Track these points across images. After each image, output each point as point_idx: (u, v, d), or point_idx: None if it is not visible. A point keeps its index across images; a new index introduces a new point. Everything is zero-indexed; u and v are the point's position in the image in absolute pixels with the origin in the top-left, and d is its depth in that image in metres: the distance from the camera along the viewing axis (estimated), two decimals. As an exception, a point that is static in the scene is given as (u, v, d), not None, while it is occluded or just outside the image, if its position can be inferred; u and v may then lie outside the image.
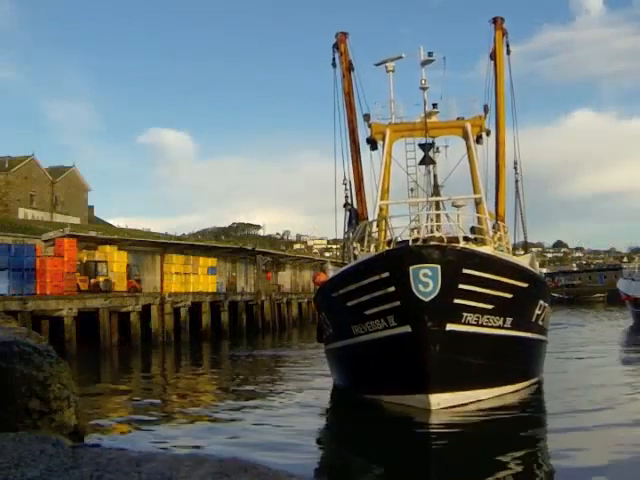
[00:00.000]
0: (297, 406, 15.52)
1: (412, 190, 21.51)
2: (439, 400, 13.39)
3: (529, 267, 17.01)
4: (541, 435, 12.27)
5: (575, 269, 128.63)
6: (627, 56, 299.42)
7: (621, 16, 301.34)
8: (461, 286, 13.36)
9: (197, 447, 11.11)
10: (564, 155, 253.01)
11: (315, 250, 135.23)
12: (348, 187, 22.25)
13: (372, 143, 21.79)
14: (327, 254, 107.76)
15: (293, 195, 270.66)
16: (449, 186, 21.56)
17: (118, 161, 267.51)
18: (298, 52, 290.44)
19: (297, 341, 40.69)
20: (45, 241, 37.51)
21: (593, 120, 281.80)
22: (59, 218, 63.19)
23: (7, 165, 62.71)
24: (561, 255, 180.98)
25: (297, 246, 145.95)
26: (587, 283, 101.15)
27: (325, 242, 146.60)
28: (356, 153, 22.36)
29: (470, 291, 13.49)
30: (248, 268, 58.90)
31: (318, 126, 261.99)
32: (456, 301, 13.40)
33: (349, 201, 22.25)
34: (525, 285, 14.96)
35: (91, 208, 78.03)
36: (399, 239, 16.46)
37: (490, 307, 13.97)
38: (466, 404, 13.63)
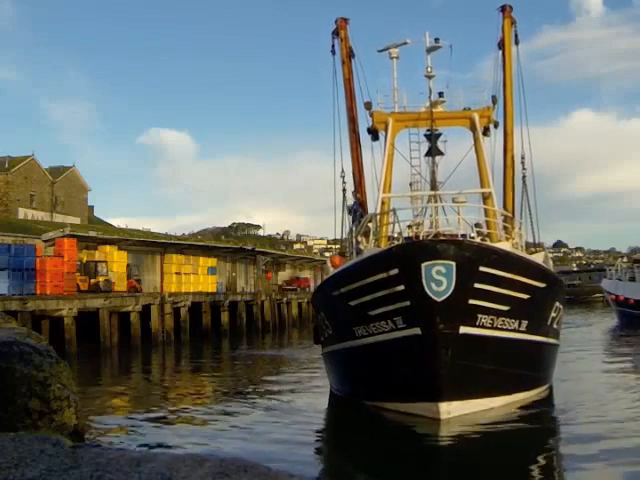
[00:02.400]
0: (297, 406, 15.46)
1: (411, 185, 20.38)
2: (449, 409, 12.40)
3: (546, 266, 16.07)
4: (558, 448, 11.44)
5: (575, 269, 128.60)
6: (627, 56, 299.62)
7: (621, 17, 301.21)
8: (477, 285, 12.33)
9: (197, 447, 11.09)
10: (564, 155, 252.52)
11: (315, 250, 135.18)
12: (351, 179, 21.23)
13: (373, 133, 20.62)
14: (327, 254, 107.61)
15: (293, 195, 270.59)
16: (447, 184, 20.28)
17: (118, 161, 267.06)
18: (298, 52, 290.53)
19: (297, 341, 40.66)
20: (45, 241, 37.53)
21: (593, 120, 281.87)
22: (59, 218, 63.15)
23: (7, 165, 62.68)
24: (561, 255, 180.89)
25: (297, 246, 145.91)
26: (587, 283, 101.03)
27: (325, 242, 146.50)
28: (356, 143, 21.37)
29: (486, 291, 12.47)
30: (248, 268, 58.92)
31: (318, 126, 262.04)
32: (471, 302, 12.37)
33: (346, 195, 21.27)
34: (542, 285, 13.99)
35: (91, 208, 78.01)
36: (402, 235, 15.49)
37: (506, 309, 12.99)
38: (476, 413, 12.66)
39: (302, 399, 16.77)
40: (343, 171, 21.36)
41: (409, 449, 11.26)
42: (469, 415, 12.55)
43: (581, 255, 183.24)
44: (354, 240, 17.96)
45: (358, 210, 20.63)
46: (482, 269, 12.32)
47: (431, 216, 17.70)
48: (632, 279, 46.06)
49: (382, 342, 13.18)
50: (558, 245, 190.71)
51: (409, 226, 15.64)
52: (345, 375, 16.06)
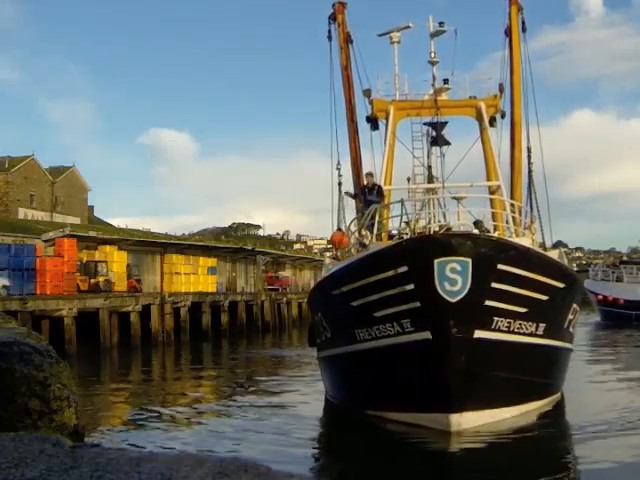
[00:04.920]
0: (298, 406, 15.46)
1: (409, 180, 19.12)
2: (461, 420, 11.29)
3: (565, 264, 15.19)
4: (576, 464, 10.53)
5: (575, 269, 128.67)
6: (627, 57, 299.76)
7: (620, 17, 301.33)
8: (494, 285, 11.21)
9: (197, 447, 11.09)
10: (564, 155, 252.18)
11: (315, 250, 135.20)
12: (347, 172, 20.23)
13: (373, 122, 19.59)
14: (327, 254, 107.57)
15: (293, 195, 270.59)
16: (449, 179, 19.05)
17: (118, 161, 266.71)
18: (298, 51, 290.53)
19: (297, 341, 40.66)
20: (45, 241, 37.58)
21: (593, 120, 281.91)
22: (59, 218, 63.19)
23: (7, 165, 62.77)
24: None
25: (297, 246, 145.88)
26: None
27: (325, 242, 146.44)
28: (355, 133, 20.46)
29: (504, 291, 11.37)
30: (248, 268, 58.94)
31: (318, 126, 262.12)
32: (487, 303, 11.26)
33: (342, 188, 19.97)
34: (561, 285, 12.93)
35: (91, 208, 78.14)
36: (396, 231, 14.60)
37: (523, 310, 11.89)
38: (488, 424, 11.65)
39: (303, 399, 16.76)
40: (339, 163, 20.24)
41: (411, 450, 11.11)
42: (480, 426, 11.60)
43: (581, 255, 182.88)
44: (358, 234, 16.14)
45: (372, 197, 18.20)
46: (500, 267, 11.19)
47: (430, 212, 16.40)
48: (619, 279, 46.24)
49: (387, 346, 12.01)
50: (558, 245, 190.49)
51: (406, 222, 14.25)
52: (344, 381, 14.80)
